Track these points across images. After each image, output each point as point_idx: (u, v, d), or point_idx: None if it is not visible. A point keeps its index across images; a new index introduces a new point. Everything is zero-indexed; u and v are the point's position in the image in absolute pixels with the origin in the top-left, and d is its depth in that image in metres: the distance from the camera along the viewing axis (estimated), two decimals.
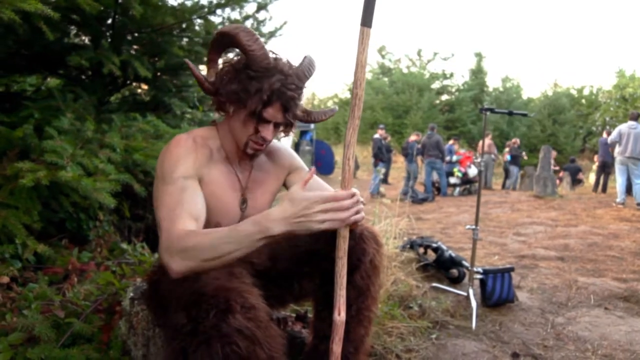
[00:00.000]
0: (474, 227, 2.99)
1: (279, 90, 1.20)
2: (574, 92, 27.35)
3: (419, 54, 28.60)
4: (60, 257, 1.95)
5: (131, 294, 1.53)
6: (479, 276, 3.06)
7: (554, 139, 21.40)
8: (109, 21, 2.07)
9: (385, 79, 27.88)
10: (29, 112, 1.84)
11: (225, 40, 1.25)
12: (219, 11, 2.58)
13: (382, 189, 9.94)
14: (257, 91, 1.19)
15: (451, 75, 27.54)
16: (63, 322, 1.53)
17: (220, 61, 1.32)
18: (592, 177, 12.75)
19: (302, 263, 1.37)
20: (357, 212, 1.15)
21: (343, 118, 27.92)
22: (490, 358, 2.37)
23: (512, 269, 3.13)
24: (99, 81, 2.35)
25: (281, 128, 1.32)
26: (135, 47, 2.27)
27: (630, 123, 7.79)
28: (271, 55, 1.24)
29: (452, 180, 10.71)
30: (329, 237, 1.37)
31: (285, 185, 1.47)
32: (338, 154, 20.64)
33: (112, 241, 2.27)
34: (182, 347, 0.97)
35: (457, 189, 10.71)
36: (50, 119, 1.78)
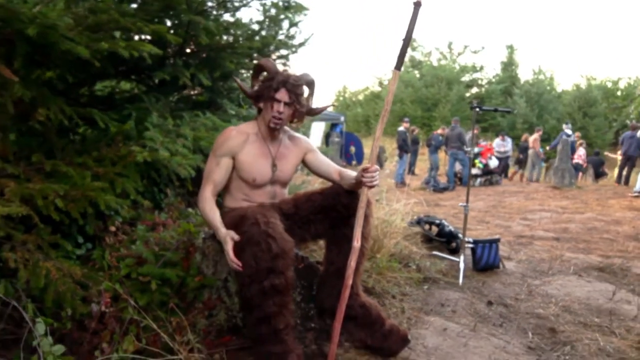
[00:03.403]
0: (465, 204, 3.62)
1: (283, 81, 2.00)
2: (610, 84, 26.99)
3: (449, 47, 28.79)
4: (147, 215, 2.72)
5: (203, 235, 2.27)
6: (470, 245, 3.70)
7: (584, 132, 21.32)
8: (181, 44, 2.81)
9: (416, 72, 28.19)
10: (128, 111, 2.60)
11: (258, 68, 2.12)
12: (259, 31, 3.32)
13: (392, 178, 10.50)
14: (269, 83, 2.01)
15: (481, 68, 27.65)
16: (158, 253, 2.29)
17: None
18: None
19: (317, 212, 2.07)
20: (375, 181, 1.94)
21: (373, 111, 28.46)
22: (468, 303, 3.02)
23: (498, 240, 3.75)
24: (168, 87, 3.11)
25: (291, 112, 2.06)
26: (197, 62, 3.00)
27: None
28: (279, 69, 2.05)
29: (474, 171, 11.19)
30: (336, 196, 2.08)
31: (304, 161, 2.21)
32: (367, 146, 21.27)
33: (180, 207, 3.04)
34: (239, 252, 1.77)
35: (479, 180, 11.20)
36: (144, 116, 2.54)
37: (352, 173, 2.06)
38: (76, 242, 2.39)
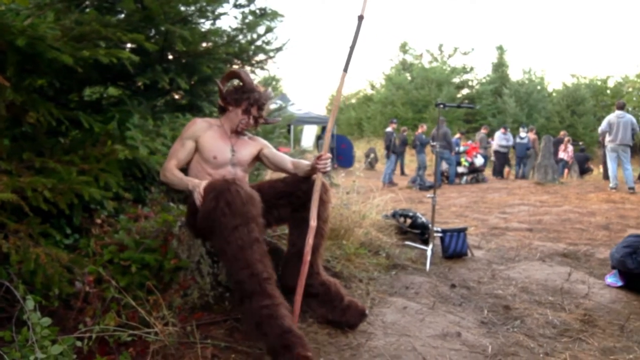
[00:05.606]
0: (432, 196, 3.87)
1: (257, 100, 2.35)
2: (599, 83, 27.34)
3: (440, 49, 29.14)
4: (131, 209, 2.95)
5: (179, 224, 2.51)
6: (438, 235, 3.93)
7: (573, 130, 21.66)
8: (160, 51, 3.04)
9: (407, 75, 28.52)
10: (112, 114, 2.83)
11: (233, 75, 2.42)
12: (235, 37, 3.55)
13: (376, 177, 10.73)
14: (247, 99, 2.34)
15: (471, 69, 28.00)
16: (139, 240, 2.51)
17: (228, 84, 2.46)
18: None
19: (279, 198, 2.31)
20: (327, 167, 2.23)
21: (365, 113, 28.79)
22: (432, 286, 3.24)
23: (465, 229, 3.99)
24: (153, 91, 3.35)
25: (254, 120, 2.43)
26: (175, 67, 3.23)
27: (618, 112, 8.41)
28: (254, 83, 2.36)
29: (460, 169, 11.48)
30: (296, 183, 2.32)
31: (259, 155, 2.51)
32: (360, 148, 21.57)
33: (162, 202, 3.27)
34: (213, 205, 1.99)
35: (465, 178, 11.46)
36: (126, 118, 2.78)
37: (305, 162, 2.32)
38: (65, 233, 2.62)
